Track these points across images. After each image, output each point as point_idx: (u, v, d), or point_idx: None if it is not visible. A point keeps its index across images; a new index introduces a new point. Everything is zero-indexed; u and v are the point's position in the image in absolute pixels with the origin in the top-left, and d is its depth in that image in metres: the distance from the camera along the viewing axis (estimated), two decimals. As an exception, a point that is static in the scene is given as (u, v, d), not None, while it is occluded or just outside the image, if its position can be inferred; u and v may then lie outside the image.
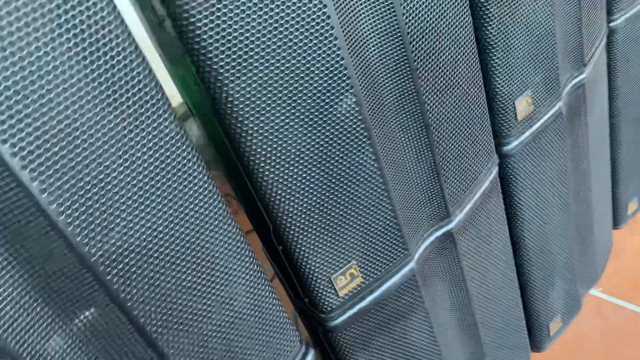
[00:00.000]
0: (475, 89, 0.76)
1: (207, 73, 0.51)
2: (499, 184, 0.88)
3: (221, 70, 0.50)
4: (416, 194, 0.74)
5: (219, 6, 0.48)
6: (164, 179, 0.48)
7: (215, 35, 0.49)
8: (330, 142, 0.61)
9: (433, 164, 0.73)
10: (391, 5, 0.61)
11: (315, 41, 0.55)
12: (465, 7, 0.71)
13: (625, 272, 1.33)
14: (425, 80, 0.67)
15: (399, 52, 0.64)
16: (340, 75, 0.58)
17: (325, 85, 0.57)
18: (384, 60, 0.63)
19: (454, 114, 0.73)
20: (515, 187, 0.93)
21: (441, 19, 0.67)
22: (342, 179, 0.64)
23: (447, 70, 0.70)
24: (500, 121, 0.85)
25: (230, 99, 0.52)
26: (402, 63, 0.65)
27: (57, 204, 0.41)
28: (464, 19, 0.71)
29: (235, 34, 0.50)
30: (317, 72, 0.56)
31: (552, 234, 1.06)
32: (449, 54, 0.70)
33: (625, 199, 1.37)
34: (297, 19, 0.53)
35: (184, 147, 0.49)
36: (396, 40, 0.63)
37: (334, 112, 0.59)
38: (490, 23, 0.76)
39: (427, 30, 0.65)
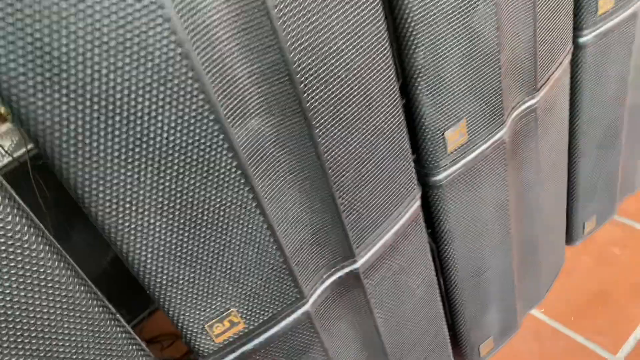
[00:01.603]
0: (391, 122, 0.68)
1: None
2: (420, 217, 0.81)
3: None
4: (313, 234, 0.67)
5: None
6: None
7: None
8: (199, 184, 0.53)
9: (333, 203, 0.65)
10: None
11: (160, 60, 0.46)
12: (380, 28, 0.61)
13: (571, 294, 1.27)
14: (318, 112, 0.58)
15: (282, 83, 0.55)
16: (205, 115, 0.50)
17: (185, 117, 0.49)
18: (263, 88, 0.55)
19: (360, 150, 0.65)
20: (444, 217, 0.86)
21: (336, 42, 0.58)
22: (215, 224, 0.57)
23: (348, 99, 0.61)
24: (427, 153, 0.77)
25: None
26: (286, 95, 0.56)
27: None
28: (377, 44, 0.61)
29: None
30: (172, 99, 0.48)
31: (488, 259, 1.00)
32: (345, 80, 0.61)
33: (582, 217, 1.31)
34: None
35: None
36: (280, 70, 0.54)
37: (202, 149, 0.52)
38: (420, 46, 0.67)
39: (316, 53, 0.56)
